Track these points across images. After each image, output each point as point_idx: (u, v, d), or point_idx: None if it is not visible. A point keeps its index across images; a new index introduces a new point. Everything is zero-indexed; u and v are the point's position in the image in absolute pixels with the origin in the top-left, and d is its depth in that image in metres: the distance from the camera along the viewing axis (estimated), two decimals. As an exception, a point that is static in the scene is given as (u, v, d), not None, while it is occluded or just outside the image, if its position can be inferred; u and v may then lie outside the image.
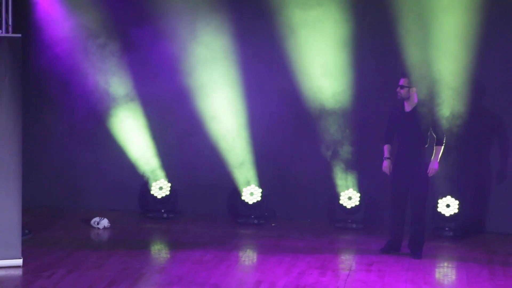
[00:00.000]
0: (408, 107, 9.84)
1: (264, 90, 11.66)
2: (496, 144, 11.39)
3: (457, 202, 11.33)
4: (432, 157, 9.75)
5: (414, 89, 9.72)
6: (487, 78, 11.26)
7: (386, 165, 9.99)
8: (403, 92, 9.74)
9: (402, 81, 9.77)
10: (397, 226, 9.95)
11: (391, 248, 10.05)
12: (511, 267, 9.67)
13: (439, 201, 11.34)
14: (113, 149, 11.88)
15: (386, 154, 9.98)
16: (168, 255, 9.98)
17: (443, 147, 9.76)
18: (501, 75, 11.22)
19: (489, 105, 11.41)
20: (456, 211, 11.31)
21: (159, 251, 10.31)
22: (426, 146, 9.74)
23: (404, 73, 9.93)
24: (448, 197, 11.35)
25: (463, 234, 11.21)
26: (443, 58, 10.81)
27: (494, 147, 11.42)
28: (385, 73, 11.22)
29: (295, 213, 11.89)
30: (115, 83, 11.64)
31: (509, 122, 11.35)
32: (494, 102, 11.38)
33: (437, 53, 10.84)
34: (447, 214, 11.33)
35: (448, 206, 11.35)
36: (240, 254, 10.00)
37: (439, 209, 11.35)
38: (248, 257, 10.04)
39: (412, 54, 10.77)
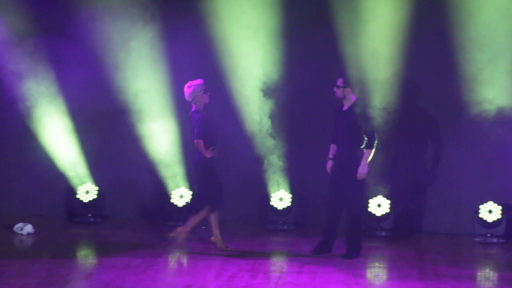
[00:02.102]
0: (345, 106, 9.93)
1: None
2: (429, 144, 11.58)
3: (388, 201, 11.48)
4: (362, 160, 9.79)
5: (348, 89, 9.80)
6: (421, 78, 11.49)
7: (328, 166, 10.05)
8: (338, 92, 9.84)
9: (338, 81, 9.89)
10: (330, 227, 10.00)
11: (323, 250, 10.10)
12: (441, 266, 9.79)
13: (370, 201, 11.49)
14: (37, 152, 11.88)
15: (330, 154, 10.05)
16: (95, 261, 9.86)
17: (373, 150, 9.78)
18: (435, 74, 11.45)
19: (423, 105, 11.59)
20: (388, 210, 11.46)
21: (86, 257, 10.17)
22: (361, 147, 9.78)
23: (340, 73, 10.07)
24: (379, 196, 11.50)
25: (394, 233, 11.37)
26: (377, 58, 11.08)
27: (427, 146, 11.61)
28: (320, 71, 11.46)
29: (226, 215, 11.63)
30: (40, 85, 11.67)
31: (443, 122, 11.52)
32: (428, 102, 11.57)
33: (370, 52, 11.11)
34: (378, 214, 11.48)
35: (379, 205, 11.49)
36: (170, 258, 9.96)
37: (370, 209, 11.48)
38: (177, 261, 9.98)
39: (347, 53, 11.07)
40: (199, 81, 9.87)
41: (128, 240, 10.75)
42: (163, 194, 11.89)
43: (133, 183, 11.99)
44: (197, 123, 9.73)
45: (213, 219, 9.95)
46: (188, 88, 9.89)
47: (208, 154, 9.86)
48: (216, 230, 10.00)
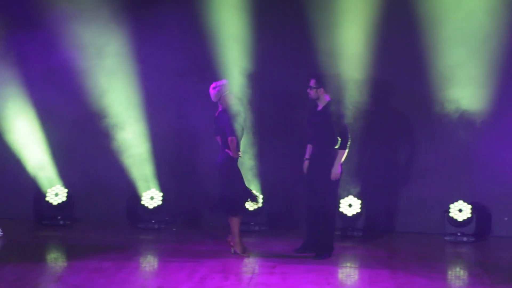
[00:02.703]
0: (319, 107, 9.91)
1: (166, 90, 11.75)
2: (401, 144, 11.64)
3: (359, 201, 11.48)
4: (335, 161, 9.78)
5: (322, 90, 9.78)
6: (394, 78, 11.53)
7: (304, 166, 10.05)
8: (312, 93, 9.83)
9: (311, 82, 9.85)
10: (310, 228, 10.00)
11: (306, 249, 10.07)
12: (412, 265, 9.78)
13: (342, 201, 11.46)
14: (6, 155, 11.81)
15: (306, 154, 10.05)
16: (65, 264, 9.79)
17: (346, 151, 9.79)
18: (407, 74, 11.47)
19: (395, 105, 11.63)
20: (359, 210, 11.45)
21: (55, 260, 10.10)
22: (335, 147, 9.76)
23: (313, 74, 10.00)
24: (351, 196, 11.51)
25: (366, 233, 11.38)
26: (350, 57, 11.09)
27: (399, 146, 11.65)
28: (292, 70, 11.48)
29: (197, 217, 11.96)
30: (10, 88, 11.65)
31: (414, 122, 11.58)
32: (400, 102, 11.61)
33: (344, 51, 11.15)
34: (349, 214, 11.47)
35: (350, 205, 11.49)
36: (140, 260, 9.94)
37: (341, 209, 11.47)
38: (149, 263, 9.95)
39: (320, 52, 11.11)
40: (223, 81, 9.86)
41: (98, 243, 10.67)
42: (134, 196, 11.85)
43: (103, 185, 11.90)
44: (228, 121, 9.67)
45: (235, 224, 9.83)
46: (214, 89, 9.84)
47: (236, 154, 9.78)
48: (237, 236, 9.88)
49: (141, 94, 11.63)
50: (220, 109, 9.88)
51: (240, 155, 9.83)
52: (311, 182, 9.88)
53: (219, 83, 9.83)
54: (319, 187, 9.81)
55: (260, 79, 11.32)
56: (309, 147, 10.02)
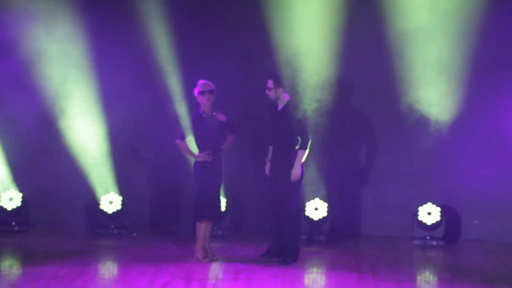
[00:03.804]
0: (279, 106, 9.92)
1: (123, 93, 11.71)
2: (366, 145, 11.72)
3: (325, 204, 11.47)
4: (295, 162, 9.76)
5: (281, 90, 9.80)
6: (355, 78, 11.53)
7: (266, 168, 10.07)
8: (271, 94, 9.85)
9: (269, 83, 9.86)
10: (275, 231, 10.01)
11: (271, 255, 10.06)
12: (380, 270, 9.81)
13: (307, 204, 11.45)
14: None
15: (268, 156, 10.07)
16: (20, 271, 9.66)
17: (307, 151, 9.77)
18: (369, 74, 11.51)
19: (358, 105, 11.68)
20: (325, 214, 11.43)
21: (10, 267, 9.93)
22: (296, 147, 9.76)
23: (270, 74, 9.95)
24: (317, 199, 11.48)
25: (332, 237, 11.40)
26: (309, 57, 11.07)
27: (364, 148, 11.74)
28: (248, 69, 11.53)
29: (158, 221, 11.95)
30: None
31: (379, 123, 11.64)
32: (363, 102, 11.66)
33: (303, 51, 11.11)
34: (315, 218, 11.45)
35: (316, 209, 11.48)
36: (99, 267, 9.84)
37: (307, 213, 11.44)
38: (108, 269, 9.87)
39: (278, 51, 11.08)
40: (199, 81, 9.91)
41: (55, 249, 10.58)
42: (92, 200, 11.79)
43: (60, 189, 11.89)
44: (190, 123, 9.78)
45: (199, 229, 9.81)
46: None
47: (198, 157, 9.75)
48: (200, 242, 9.84)
49: (99, 95, 11.65)
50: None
51: (206, 158, 9.76)
52: (273, 184, 9.91)
53: (198, 82, 9.93)
54: (281, 189, 9.82)
55: (219, 82, 10.96)
56: (271, 149, 10.03)
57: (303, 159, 9.75)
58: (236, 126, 10.04)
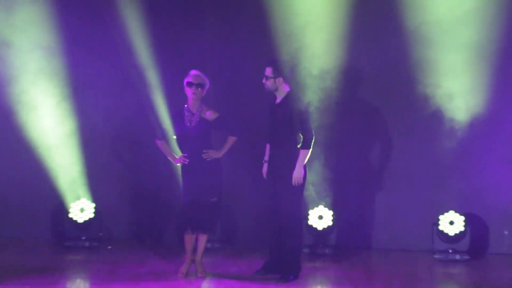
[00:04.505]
0: (278, 99, 9.58)
1: (95, 91, 11.55)
2: (378, 146, 11.40)
3: (331, 213, 11.09)
4: (297, 163, 9.44)
5: (280, 79, 9.42)
6: (368, 68, 11.22)
7: (264, 170, 9.73)
8: (269, 83, 9.46)
9: (267, 71, 9.49)
10: (273, 244, 9.67)
11: (268, 271, 9.68)
12: (394, 288, 9.64)
13: (311, 212, 11.09)
14: None
15: (265, 156, 9.74)
16: (-24, 290, 9.38)
17: (310, 151, 9.44)
18: (385, 65, 11.18)
19: (370, 99, 11.33)
20: (331, 223, 11.06)
21: (-35, 285, 9.68)
22: (298, 146, 9.46)
23: (269, 61, 9.61)
24: (321, 207, 11.11)
25: (339, 250, 11.11)
26: (315, 37, 10.83)
27: (376, 148, 11.44)
28: (248, 57, 11.28)
29: (137, 232, 11.66)
30: None
31: (393, 119, 11.30)
32: (376, 96, 11.30)
33: (307, 36, 10.91)
34: (320, 228, 11.08)
35: (321, 217, 11.09)
36: (68, 285, 9.47)
37: (310, 222, 11.08)
38: (78, 287, 9.53)
39: (278, 36, 10.89)
40: (191, 71, 9.74)
41: (17, 265, 10.25)
42: (59, 207, 11.41)
43: (23, 195, 11.65)
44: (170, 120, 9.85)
45: (186, 242, 9.61)
46: None
47: (175, 160, 9.67)
48: (188, 255, 9.62)
49: (70, 90, 11.46)
50: None
51: (181, 161, 9.61)
52: (272, 189, 9.60)
53: (189, 72, 9.78)
54: (281, 195, 9.50)
55: (213, 75, 10.94)
56: (268, 148, 9.75)
57: (306, 160, 9.42)
58: (235, 126, 9.78)
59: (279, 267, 9.53)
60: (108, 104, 11.50)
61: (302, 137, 9.43)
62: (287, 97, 9.47)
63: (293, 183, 9.34)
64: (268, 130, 9.65)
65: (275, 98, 9.53)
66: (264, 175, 9.68)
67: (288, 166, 9.39)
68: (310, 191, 11.00)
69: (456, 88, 10.98)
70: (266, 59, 9.75)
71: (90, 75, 11.44)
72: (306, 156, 9.38)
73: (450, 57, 10.94)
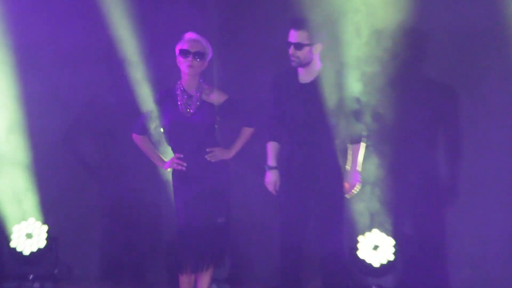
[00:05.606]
0: (306, 76, 8.08)
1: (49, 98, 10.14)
2: (441, 148, 9.59)
3: (391, 241, 9.15)
4: (349, 165, 8.07)
5: (319, 47, 7.98)
6: (441, 23, 9.22)
7: (270, 179, 8.19)
8: (302, 54, 8.01)
9: (299, 36, 8.02)
10: (290, 276, 8.32)
11: None
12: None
13: (360, 238, 9.26)
14: None
15: (270, 159, 8.19)
16: None
17: (364, 146, 8.20)
18: (466, 20, 9.18)
19: (444, 73, 9.35)
20: (391, 257, 9.14)
21: None
22: (335, 141, 8.19)
23: (300, 23, 8.11)
24: (375, 231, 9.20)
25: None
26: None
27: (457, 154, 9.53)
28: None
29: (111, 268, 9.93)
30: None
31: (478, 120, 9.51)
32: (451, 70, 9.35)
33: None
34: (375, 264, 9.19)
35: (375, 248, 9.19)
36: None
37: (360, 254, 9.25)
38: None
39: None
40: (185, 34, 8.37)
41: None
42: None
43: None
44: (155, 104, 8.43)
45: (181, 285, 8.19)
46: None
47: (163, 164, 8.21)
48: None
49: (21, 89, 10.14)
50: None
51: (174, 165, 8.04)
52: (301, 205, 8.15)
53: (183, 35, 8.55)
54: (322, 211, 8.07)
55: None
56: (273, 148, 8.29)
57: (360, 159, 8.12)
58: (252, 113, 8.33)
59: None
60: (63, 78, 10.21)
61: (351, 128, 8.22)
62: (321, 75, 8.12)
63: (347, 194, 8.03)
64: (288, 121, 8.21)
65: (296, 75, 8.12)
66: (268, 185, 8.18)
67: (328, 171, 7.88)
68: (358, 208, 9.42)
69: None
70: (293, 20, 8.16)
71: (44, 80, 10.25)
72: (361, 153, 8.17)
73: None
